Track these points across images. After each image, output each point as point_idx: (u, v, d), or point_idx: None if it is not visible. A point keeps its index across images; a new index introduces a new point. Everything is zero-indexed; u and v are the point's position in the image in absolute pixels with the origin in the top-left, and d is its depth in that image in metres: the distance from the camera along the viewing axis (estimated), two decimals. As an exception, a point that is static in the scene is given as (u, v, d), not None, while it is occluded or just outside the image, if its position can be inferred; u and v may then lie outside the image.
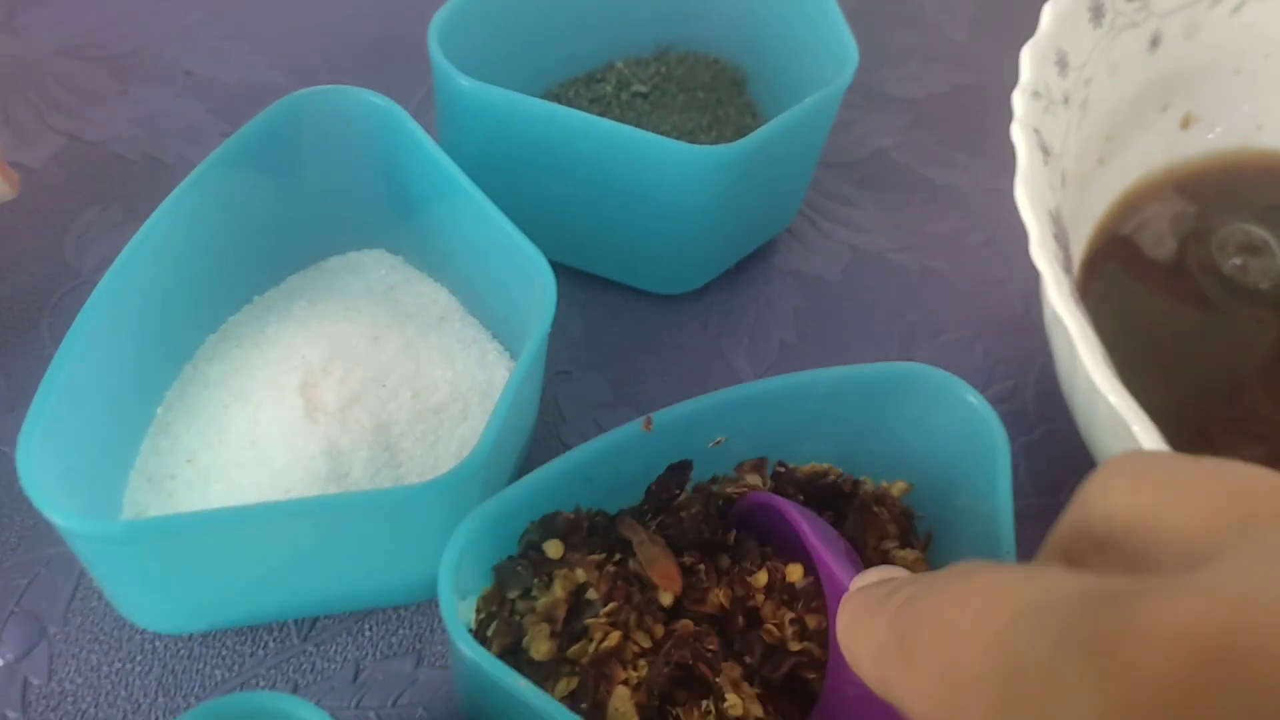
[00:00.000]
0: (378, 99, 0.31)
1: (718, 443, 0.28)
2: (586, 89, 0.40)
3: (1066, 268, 0.28)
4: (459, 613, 0.24)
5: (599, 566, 0.26)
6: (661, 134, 0.38)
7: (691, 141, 0.39)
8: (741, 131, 0.39)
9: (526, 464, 0.33)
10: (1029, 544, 0.33)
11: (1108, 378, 0.25)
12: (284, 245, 0.34)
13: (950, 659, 0.15)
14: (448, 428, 0.30)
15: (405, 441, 0.30)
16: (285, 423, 0.29)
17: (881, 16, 0.47)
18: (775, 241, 0.39)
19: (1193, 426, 0.33)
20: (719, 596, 0.26)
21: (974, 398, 0.27)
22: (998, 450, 0.27)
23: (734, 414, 0.28)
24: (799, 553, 0.27)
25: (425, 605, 0.31)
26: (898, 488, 0.29)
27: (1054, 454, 0.35)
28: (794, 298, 0.38)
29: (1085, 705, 0.13)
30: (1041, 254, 0.27)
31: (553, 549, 0.26)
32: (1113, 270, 0.36)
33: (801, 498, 0.29)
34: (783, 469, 0.29)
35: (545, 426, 0.34)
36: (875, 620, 0.18)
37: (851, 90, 0.44)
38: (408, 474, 0.30)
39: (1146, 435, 0.25)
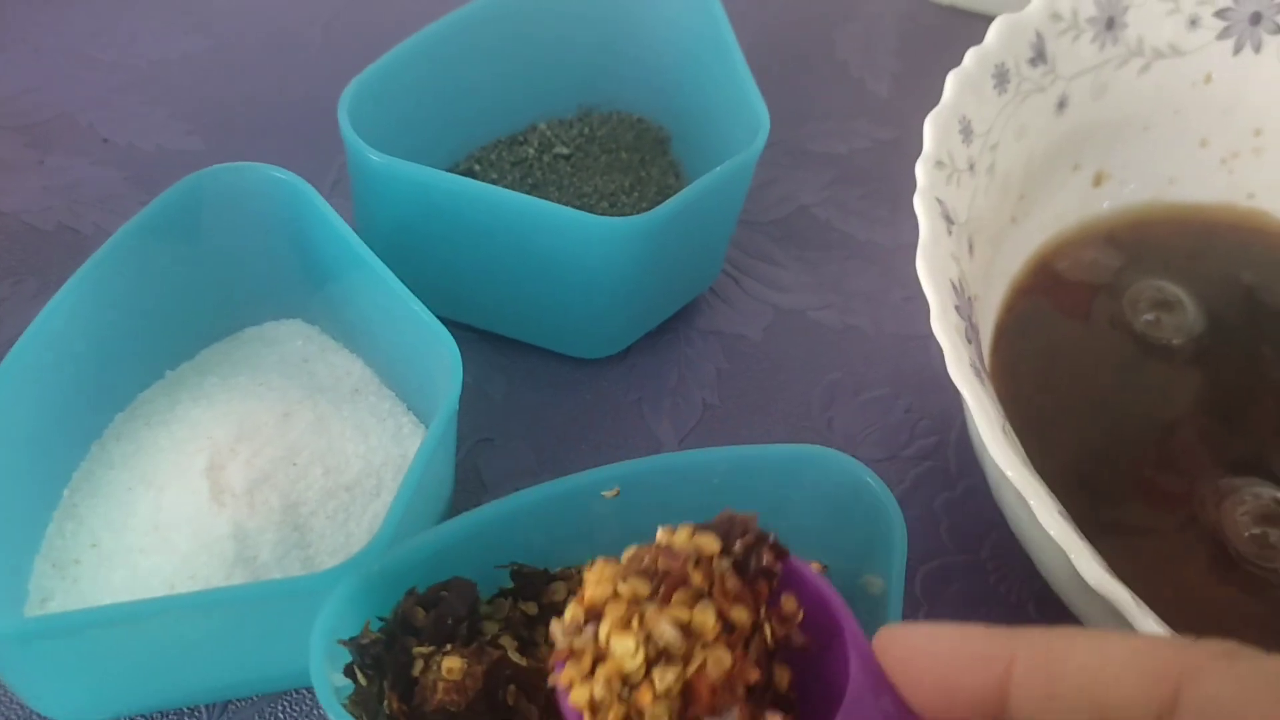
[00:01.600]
0: (283, 175, 0.31)
1: (614, 493, 0.28)
2: (509, 152, 0.40)
3: (969, 337, 0.29)
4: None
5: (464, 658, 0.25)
6: (584, 196, 0.39)
7: (614, 203, 0.39)
8: (664, 193, 0.40)
9: (445, 536, 0.33)
10: (951, 601, 0.34)
11: (1004, 452, 0.26)
12: (197, 318, 0.33)
13: None
14: (360, 504, 0.30)
15: (315, 520, 0.30)
16: (190, 506, 0.29)
17: (805, 73, 0.47)
18: (698, 301, 0.39)
19: (1117, 471, 0.34)
20: None
21: (871, 479, 0.27)
22: (894, 532, 0.27)
23: (635, 488, 0.28)
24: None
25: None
26: (814, 567, 0.29)
27: (975, 509, 0.36)
28: (716, 358, 0.38)
29: None
30: (942, 327, 0.27)
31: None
32: (1027, 330, 0.36)
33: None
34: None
35: (466, 495, 0.34)
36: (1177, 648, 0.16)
37: (774, 148, 0.44)
38: (318, 554, 0.29)
39: (1043, 510, 0.25)
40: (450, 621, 0.27)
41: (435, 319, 0.29)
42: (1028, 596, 0.34)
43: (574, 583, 0.29)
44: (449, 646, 0.26)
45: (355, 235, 0.30)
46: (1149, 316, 0.37)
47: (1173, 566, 0.32)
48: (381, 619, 0.26)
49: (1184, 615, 0.31)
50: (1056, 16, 0.35)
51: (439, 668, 0.25)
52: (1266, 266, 0.40)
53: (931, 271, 0.28)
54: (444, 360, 0.29)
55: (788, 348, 0.39)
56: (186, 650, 0.27)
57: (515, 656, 0.27)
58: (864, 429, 0.37)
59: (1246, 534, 0.32)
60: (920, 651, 0.19)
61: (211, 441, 0.29)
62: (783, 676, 0.21)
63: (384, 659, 0.26)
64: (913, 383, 0.39)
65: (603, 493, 0.28)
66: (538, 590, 0.29)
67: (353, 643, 0.25)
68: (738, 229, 0.41)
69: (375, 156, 0.32)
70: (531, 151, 0.40)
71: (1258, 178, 0.40)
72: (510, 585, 0.29)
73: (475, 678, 0.26)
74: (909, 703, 0.19)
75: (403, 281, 0.33)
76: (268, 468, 0.29)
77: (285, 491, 0.29)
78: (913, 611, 0.33)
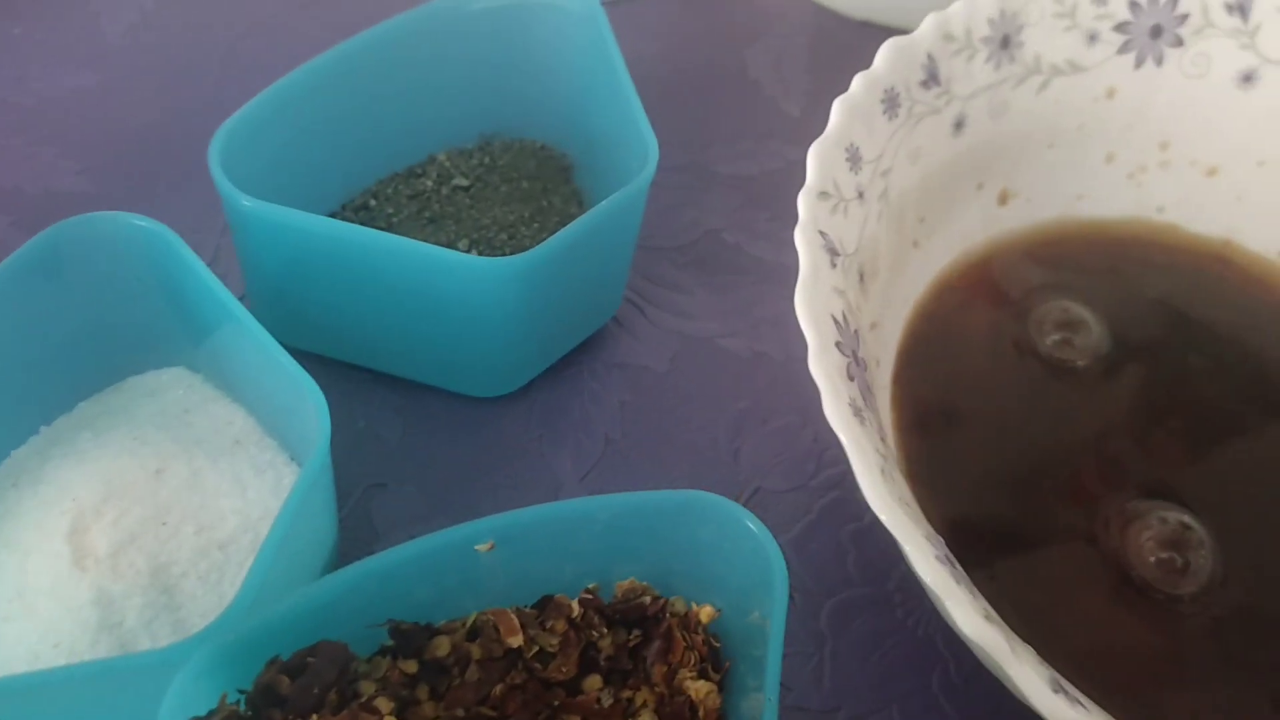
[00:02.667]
0: (145, 223, 0.30)
1: (488, 547, 0.27)
2: (406, 185, 0.39)
3: (851, 374, 0.28)
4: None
5: None
6: (482, 228, 0.38)
7: (513, 234, 0.38)
8: (565, 222, 0.38)
9: (334, 587, 0.32)
10: (857, 635, 0.33)
11: (880, 496, 0.25)
12: (73, 370, 0.32)
13: None
14: (235, 562, 0.29)
15: (186, 582, 0.29)
16: (52, 572, 0.28)
17: (716, 94, 0.47)
18: (602, 333, 0.39)
19: (1021, 497, 0.33)
20: None
21: (753, 524, 0.27)
22: (774, 576, 0.26)
23: (520, 538, 0.27)
24: None
25: (218, 751, 0.29)
26: (705, 613, 0.28)
27: (882, 541, 0.35)
28: (620, 391, 0.37)
29: None
30: (820, 367, 0.27)
31: None
32: (931, 354, 0.36)
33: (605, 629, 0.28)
34: (589, 595, 0.29)
35: (357, 544, 0.33)
36: None
37: (682, 171, 0.43)
38: (189, 616, 0.28)
39: (918, 556, 0.25)
40: (317, 689, 0.26)
41: (299, 368, 0.28)
42: (935, 630, 0.33)
43: (457, 636, 0.28)
44: (314, 717, 0.25)
45: (220, 285, 0.29)
46: (1055, 337, 0.36)
47: (1074, 594, 0.32)
48: (243, 691, 0.25)
49: (1084, 643, 0.31)
50: (949, 37, 0.35)
51: None
52: (1177, 280, 0.39)
53: (811, 309, 0.28)
54: (312, 411, 0.28)
55: (694, 377, 0.38)
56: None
57: None
58: (772, 459, 0.36)
59: (1152, 559, 0.32)
60: None
61: (76, 503, 0.28)
62: None
63: None
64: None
65: (476, 547, 0.27)
66: (419, 647, 0.28)
67: (207, 719, 0.24)
68: (642, 256, 0.40)
69: (247, 202, 0.31)
70: (430, 183, 0.39)
71: (1166, 191, 0.40)
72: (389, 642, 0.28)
73: None
74: None
75: (292, 324, 0.32)
76: (135, 528, 0.28)
77: (154, 553, 0.28)
78: (818, 647, 0.33)
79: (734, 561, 0.28)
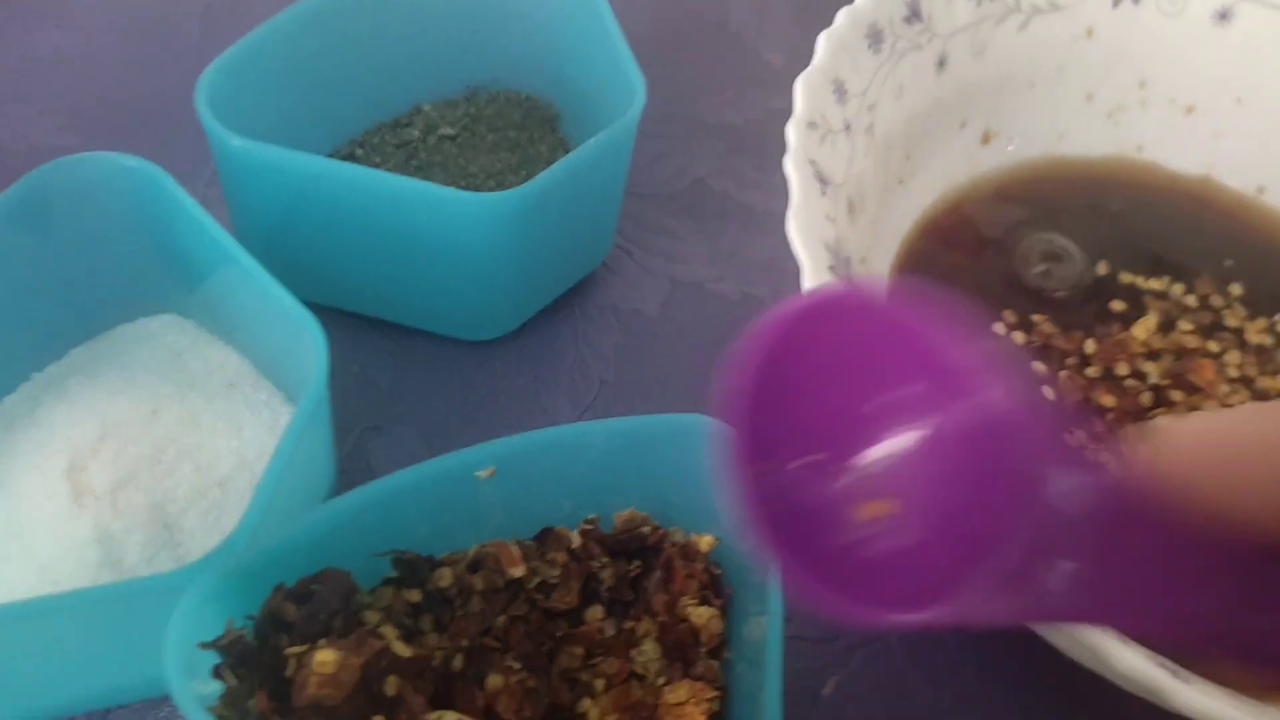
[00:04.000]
0: (135, 163, 0.30)
1: (489, 473, 0.27)
2: (393, 134, 0.39)
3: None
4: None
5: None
6: (470, 176, 0.38)
7: (500, 182, 0.38)
8: (553, 169, 0.39)
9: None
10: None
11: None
12: (62, 317, 0.32)
13: None
14: (234, 500, 0.29)
15: (186, 519, 0.29)
16: (50, 511, 0.27)
17: (699, 45, 0.47)
18: (593, 277, 0.39)
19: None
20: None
21: None
22: None
23: (516, 465, 0.28)
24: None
25: (221, 688, 0.29)
26: (705, 542, 0.29)
27: (875, 475, 0.35)
28: (613, 334, 0.38)
29: None
30: (813, 286, 0.27)
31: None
32: (919, 290, 0.36)
33: None
34: (589, 526, 0.29)
35: (355, 485, 0.33)
36: None
37: (668, 121, 0.44)
38: (189, 553, 0.28)
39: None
40: (324, 615, 0.26)
41: (298, 303, 0.28)
42: (928, 557, 0.34)
43: (459, 568, 0.28)
44: (323, 641, 0.25)
45: (215, 224, 0.29)
46: (1040, 268, 0.37)
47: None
48: (250, 617, 0.25)
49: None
50: (931, -27, 0.35)
51: (311, 662, 0.25)
52: (1155, 217, 0.40)
53: (803, 233, 0.28)
54: (310, 346, 0.28)
55: (686, 320, 0.38)
56: (58, 657, 0.27)
57: (398, 647, 0.26)
58: (763, 399, 0.37)
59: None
60: None
61: (71, 442, 0.28)
62: None
63: (252, 657, 0.25)
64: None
65: (477, 473, 0.27)
66: (422, 578, 0.28)
67: (215, 644, 0.24)
68: (632, 203, 0.41)
69: (236, 141, 0.31)
70: (416, 133, 0.39)
71: (1145, 129, 0.41)
72: (393, 574, 0.28)
73: (351, 670, 0.25)
74: None
75: (282, 270, 0.32)
76: (132, 466, 0.28)
77: (152, 490, 0.28)
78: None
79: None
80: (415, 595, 0.28)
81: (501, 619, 0.28)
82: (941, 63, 0.36)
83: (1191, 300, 0.37)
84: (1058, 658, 0.27)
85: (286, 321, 0.29)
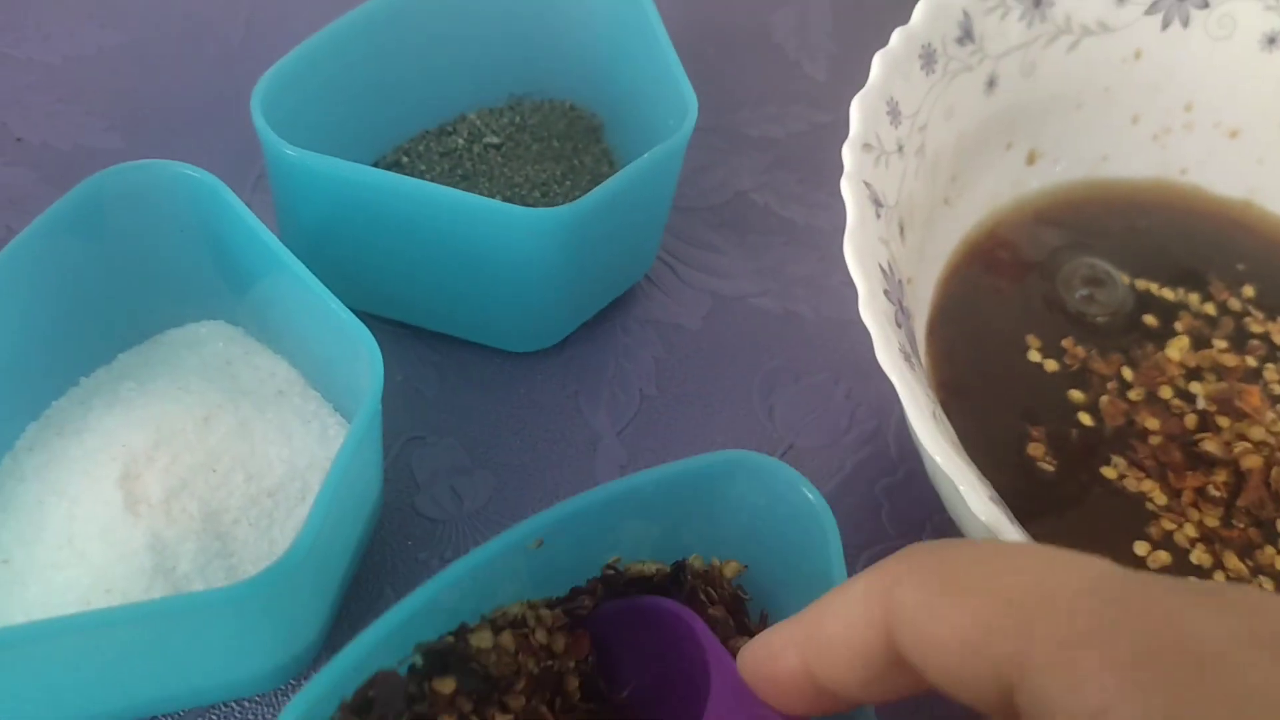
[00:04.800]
0: (193, 172, 0.30)
1: (538, 544, 0.27)
2: (438, 143, 0.39)
3: (899, 321, 0.28)
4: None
5: None
6: (515, 186, 0.38)
7: (546, 192, 0.38)
8: (597, 181, 0.39)
9: (377, 537, 0.32)
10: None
11: (934, 439, 0.25)
12: (112, 322, 0.32)
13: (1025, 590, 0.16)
14: (284, 510, 0.29)
15: (238, 529, 0.29)
16: (104, 518, 0.28)
17: (742, 58, 0.47)
18: (635, 290, 0.39)
19: (1058, 452, 0.34)
20: None
21: (808, 490, 0.27)
22: (829, 542, 0.26)
23: (562, 527, 0.26)
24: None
25: (267, 696, 0.29)
26: (730, 568, 0.28)
27: (915, 494, 0.36)
28: (654, 347, 0.38)
29: None
30: (870, 313, 0.27)
31: None
32: (963, 312, 0.36)
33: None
34: (612, 571, 0.28)
35: (399, 495, 0.33)
36: (881, 572, 0.18)
37: (710, 133, 0.44)
38: (241, 562, 0.28)
39: (973, 496, 0.25)
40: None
41: (353, 316, 0.28)
42: (969, 579, 0.34)
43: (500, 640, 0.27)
44: None
45: (269, 233, 0.29)
46: (1083, 293, 0.37)
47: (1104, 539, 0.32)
48: None
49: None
50: (984, -5, 0.35)
51: None
52: (1197, 241, 0.40)
53: (859, 256, 0.28)
54: (365, 359, 0.28)
55: (727, 335, 0.38)
56: (107, 667, 0.27)
57: None
58: (804, 416, 0.37)
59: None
60: (751, 660, 0.21)
61: (126, 449, 0.28)
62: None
63: None
64: (853, 368, 0.38)
65: (528, 545, 0.27)
66: (446, 664, 0.27)
67: None
68: (675, 216, 0.41)
69: (290, 151, 0.31)
70: (461, 142, 0.39)
71: (1190, 153, 0.41)
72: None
73: None
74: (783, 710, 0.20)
75: (329, 278, 0.32)
76: (186, 475, 0.28)
77: (205, 499, 0.28)
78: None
79: (776, 520, 0.28)
80: (448, 685, 0.27)
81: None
82: (991, 83, 0.36)
83: (1225, 318, 0.37)
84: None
85: (339, 332, 0.29)
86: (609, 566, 0.28)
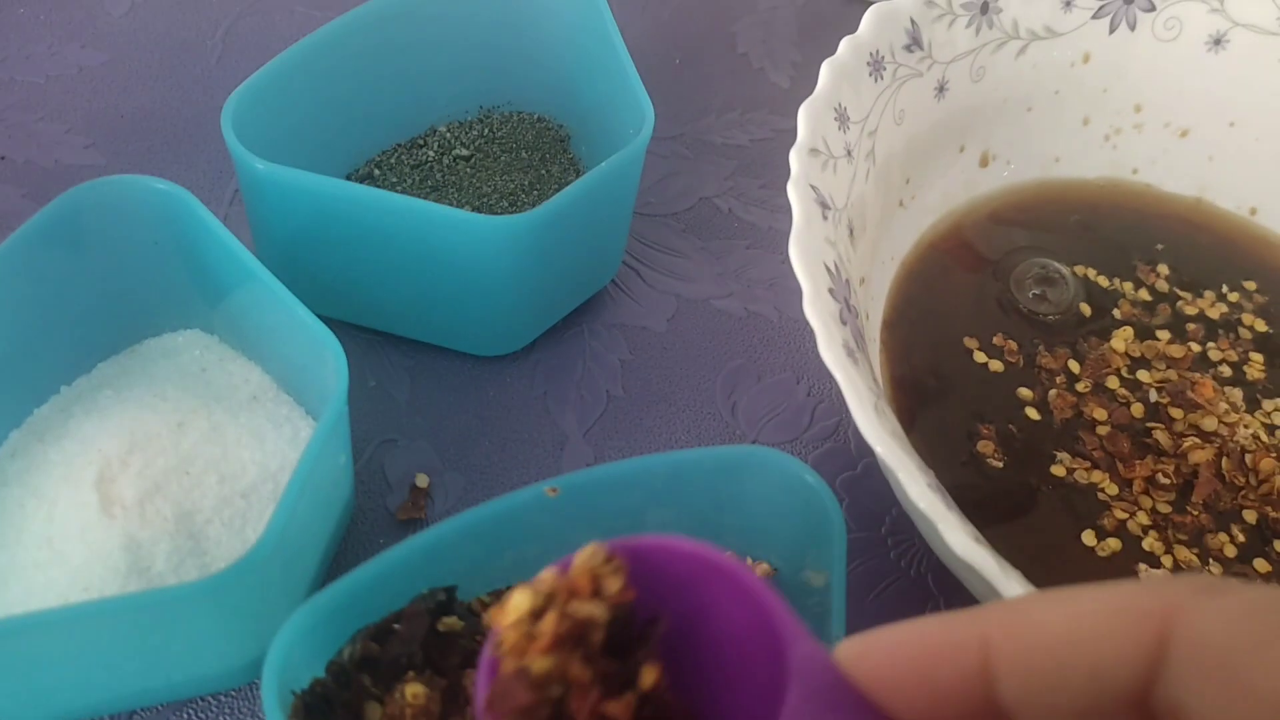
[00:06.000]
0: (164, 185, 0.31)
1: (553, 490, 0.28)
2: (409, 155, 0.40)
3: (844, 319, 0.30)
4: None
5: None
6: (484, 196, 0.39)
7: (514, 202, 0.39)
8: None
9: (349, 537, 0.33)
10: (855, 577, 0.35)
11: (874, 429, 0.26)
12: (91, 332, 0.33)
13: None
14: (257, 510, 0.30)
15: (211, 528, 0.30)
16: (81, 519, 0.29)
17: (708, 67, 0.48)
18: (602, 295, 0.40)
19: (1010, 449, 0.35)
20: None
21: (811, 478, 0.28)
22: (833, 528, 0.27)
23: (574, 498, 0.28)
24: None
25: (243, 691, 0.30)
26: (761, 569, 0.29)
27: (874, 487, 0.37)
28: (620, 350, 0.39)
29: None
30: (814, 310, 0.28)
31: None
32: (917, 312, 0.37)
33: None
34: None
35: (371, 497, 0.35)
36: (1160, 588, 0.15)
37: (676, 141, 0.45)
38: (214, 561, 0.30)
39: (911, 483, 0.26)
40: (404, 659, 0.26)
41: (319, 322, 0.29)
42: (927, 569, 0.35)
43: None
44: (410, 674, 0.26)
45: (239, 244, 0.30)
46: (1035, 292, 0.38)
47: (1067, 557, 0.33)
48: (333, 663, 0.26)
49: (1055, 581, 0.32)
50: (931, 3, 0.36)
51: (403, 696, 0.25)
52: (1150, 239, 0.41)
53: (804, 256, 0.29)
54: (331, 363, 0.29)
55: (691, 337, 0.40)
56: (82, 662, 0.28)
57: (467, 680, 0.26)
58: (766, 413, 0.38)
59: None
60: (889, 658, 0.16)
61: (102, 454, 0.30)
62: (649, 675, 0.17)
63: (336, 701, 0.25)
64: (814, 366, 0.39)
65: (545, 489, 0.28)
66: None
67: (304, 697, 0.25)
68: (640, 222, 0.42)
69: (260, 165, 0.32)
70: (431, 154, 0.40)
71: (1141, 153, 0.42)
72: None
73: (437, 701, 0.26)
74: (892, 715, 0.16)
75: (303, 288, 0.33)
76: (160, 478, 0.29)
77: (179, 501, 0.29)
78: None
79: (787, 514, 0.29)
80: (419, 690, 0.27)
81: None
82: (941, 88, 0.37)
83: (1162, 304, 0.38)
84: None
85: (307, 338, 0.30)
86: None
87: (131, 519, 0.29)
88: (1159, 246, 0.40)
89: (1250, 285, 0.39)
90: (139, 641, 0.27)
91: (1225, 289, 0.39)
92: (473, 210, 0.39)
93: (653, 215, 0.42)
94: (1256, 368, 0.37)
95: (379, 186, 0.39)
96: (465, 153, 0.41)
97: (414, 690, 0.25)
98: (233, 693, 0.31)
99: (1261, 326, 0.38)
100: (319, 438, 0.28)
